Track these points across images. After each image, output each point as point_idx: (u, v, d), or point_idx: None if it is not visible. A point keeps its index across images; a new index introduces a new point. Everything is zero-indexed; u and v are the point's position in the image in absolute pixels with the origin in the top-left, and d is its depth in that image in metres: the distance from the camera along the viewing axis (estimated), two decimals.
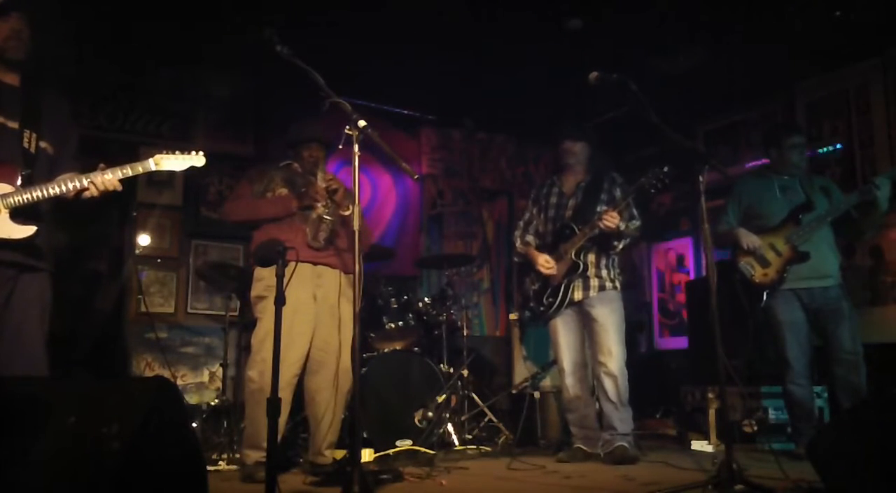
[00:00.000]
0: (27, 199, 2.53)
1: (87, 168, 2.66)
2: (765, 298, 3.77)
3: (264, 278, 3.35)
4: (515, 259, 4.26)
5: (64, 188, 2.57)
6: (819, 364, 3.88)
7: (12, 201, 2.52)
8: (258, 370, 3.24)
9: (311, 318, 3.35)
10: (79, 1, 4.16)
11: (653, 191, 3.58)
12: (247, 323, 3.42)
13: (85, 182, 2.58)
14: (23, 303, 2.60)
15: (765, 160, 4.19)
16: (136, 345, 4.98)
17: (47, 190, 2.56)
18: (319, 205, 3.43)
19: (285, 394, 3.14)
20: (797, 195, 3.84)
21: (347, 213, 3.41)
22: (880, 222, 3.89)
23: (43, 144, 2.69)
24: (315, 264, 3.39)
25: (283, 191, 3.50)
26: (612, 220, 3.62)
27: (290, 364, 3.23)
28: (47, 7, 2.80)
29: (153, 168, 2.68)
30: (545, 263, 3.87)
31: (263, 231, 3.42)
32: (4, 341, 2.56)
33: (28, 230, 2.54)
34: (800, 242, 3.72)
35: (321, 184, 3.46)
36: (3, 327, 2.56)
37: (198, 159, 2.78)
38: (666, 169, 3.48)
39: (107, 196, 2.64)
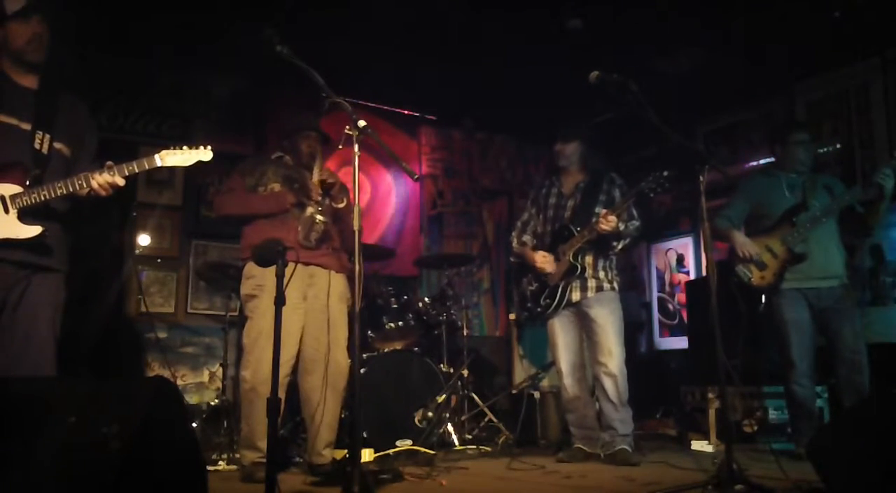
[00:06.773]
0: (35, 199, 2.55)
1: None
2: (763, 300, 3.76)
3: (254, 276, 3.31)
4: (512, 259, 4.25)
5: (70, 188, 2.58)
6: (820, 364, 3.88)
7: (21, 202, 2.53)
8: (251, 370, 3.22)
9: (300, 318, 3.31)
10: (79, 0, 4.16)
11: (652, 195, 3.58)
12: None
13: (91, 181, 2.58)
14: (35, 303, 2.60)
15: (768, 159, 4.17)
16: (136, 345, 4.97)
17: (54, 190, 2.56)
18: (311, 205, 3.35)
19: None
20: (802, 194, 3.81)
21: (342, 205, 3.37)
22: (885, 214, 3.74)
23: (58, 146, 2.70)
24: (307, 264, 3.33)
25: (276, 186, 3.42)
26: (609, 223, 3.61)
27: (282, 365, 3.20)
28: (64, 10, 2.80)
29: (159, 164, 2.67)
30: (542, 258, 3.86)
31: (255, 228, 3.37)
32: (15, 341, 2.56)
33: (35, 230, 2.55)
34: (795, 244, 3.71)
35: (316, 178, 3.38)
36: (15, 326, 2.57)
37: (205, 153, 2.75)
38: (666, 173, 3.45)
39: (111, 194, 2.65)
